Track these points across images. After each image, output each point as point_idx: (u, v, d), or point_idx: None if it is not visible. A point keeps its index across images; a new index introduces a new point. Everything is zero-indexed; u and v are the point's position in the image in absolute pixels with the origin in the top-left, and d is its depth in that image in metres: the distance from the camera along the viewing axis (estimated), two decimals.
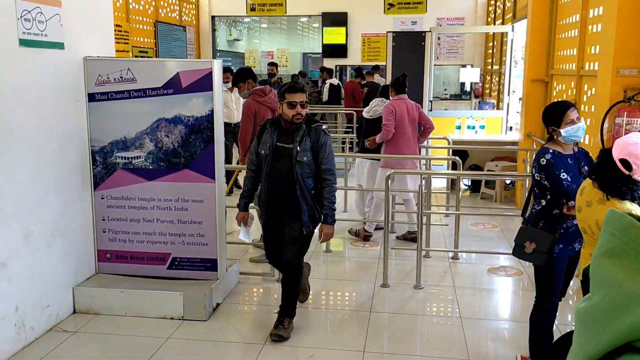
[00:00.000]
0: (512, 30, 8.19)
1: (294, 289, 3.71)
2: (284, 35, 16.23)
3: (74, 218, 3.83)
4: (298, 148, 3.47)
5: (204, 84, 3.82)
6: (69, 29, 3.67)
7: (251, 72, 5.38)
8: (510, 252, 5.01)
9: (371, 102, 5.76)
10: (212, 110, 3.86)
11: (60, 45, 3.59)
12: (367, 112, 5.76)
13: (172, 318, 3.78)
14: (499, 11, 10.68)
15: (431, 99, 8.53)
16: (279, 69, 11.77)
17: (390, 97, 5.56)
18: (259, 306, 4.23)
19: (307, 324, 3.98)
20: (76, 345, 3.53)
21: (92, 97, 3.87)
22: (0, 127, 3.23)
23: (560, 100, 4.02)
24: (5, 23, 3.15)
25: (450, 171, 5.69)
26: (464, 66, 11.76)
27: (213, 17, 13.29)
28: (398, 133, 5.42)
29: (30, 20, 3.27)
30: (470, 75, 10.72)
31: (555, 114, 2.99)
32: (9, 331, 3.33)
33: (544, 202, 3.02)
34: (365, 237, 5.61)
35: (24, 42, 3.28)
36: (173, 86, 3.79)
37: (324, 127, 3.67)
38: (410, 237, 5.49)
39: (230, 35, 14.84)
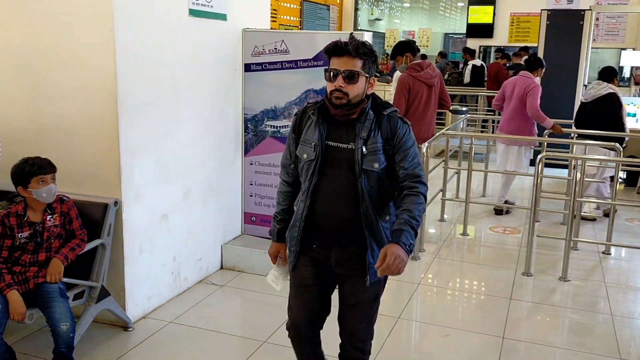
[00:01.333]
0: None
1: None
2: (426, 15, 16.11)
3: (226, 180, 4.22)
4: (364, 149, 2.31)
5: None
6: (231, 2, 3.99)
7: (410, 46, 5.25)
8: None
9: (588, 85, 6.05)
10: None
11: (223, 17, 3.92)
12: (582, 95, 6.05)
13: None
14: None
15: (585, 84, 8.08)
16: (419, 49, 11.75)
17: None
18: (395, 281, 4.24)
19: (442, 304, 4.05)
20: (222, 298, 3.87)
21: (247, 67, 4.17)
22: (171, 92, 3.58)
23: None
24: None
25: (608, 157, 5.36)
26: (624, 49, 10.92)
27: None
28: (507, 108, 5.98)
29: None
30: (632, 60, 9.91)
31: None
32: (167, 278, 3.76)
33: None
34: (500, 211, 5.98)
35: (192, 12, 3.62)
36: (323, 58, 3.87)
37: (396, 112, 2.50)
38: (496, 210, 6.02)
39: (372, 14, 15.05)
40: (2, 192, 3.13)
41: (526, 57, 10.11)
